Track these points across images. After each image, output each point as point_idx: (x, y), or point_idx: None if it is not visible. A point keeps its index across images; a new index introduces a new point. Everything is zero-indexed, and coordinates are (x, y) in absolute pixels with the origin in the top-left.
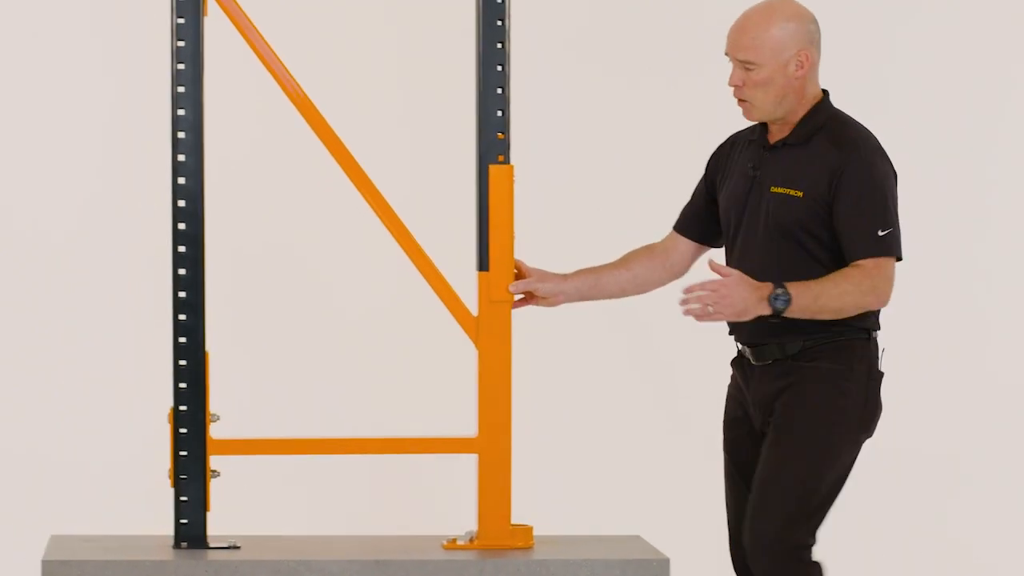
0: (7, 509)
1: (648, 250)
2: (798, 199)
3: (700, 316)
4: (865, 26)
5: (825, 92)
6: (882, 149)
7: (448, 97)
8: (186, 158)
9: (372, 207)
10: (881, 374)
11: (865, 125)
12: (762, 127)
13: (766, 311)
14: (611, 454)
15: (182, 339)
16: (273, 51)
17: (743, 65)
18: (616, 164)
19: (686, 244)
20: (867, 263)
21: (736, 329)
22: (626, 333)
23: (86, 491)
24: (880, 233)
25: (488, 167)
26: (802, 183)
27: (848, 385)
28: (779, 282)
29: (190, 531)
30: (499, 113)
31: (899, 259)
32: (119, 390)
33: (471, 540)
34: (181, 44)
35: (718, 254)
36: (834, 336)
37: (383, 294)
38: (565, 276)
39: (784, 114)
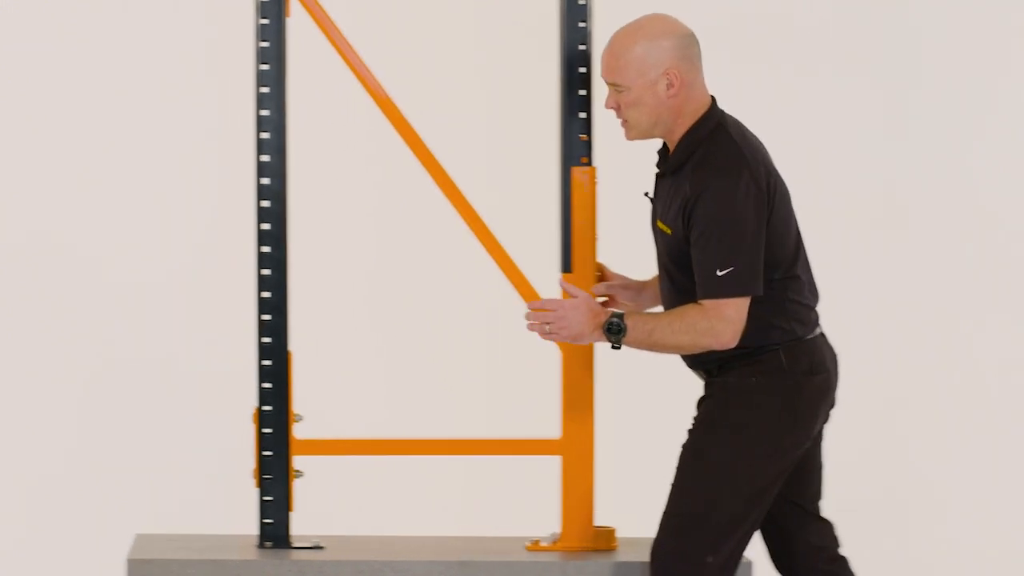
0: (93, 508)
1: None
2: (669, 236)
3: (540, 334)
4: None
5: (713, 99)
6: (744, 174)
7: (531, 99)
8: (270, 158)
9: (455, 208)
10: (805, 380)
11: (745, 139)
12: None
13: (602, 339)
14: None
15: (266, 339)
16: (356, 52)
17: (614, 88)
18: None
19: None
20: (707, 303)
21: None
22: None
23: (171, 491)
24: (719, 273)
25: (571, 169)
26: (670, 219)
27: (756, 398)
28: (619, 312)
29: (274, 531)
30: (582, 115)
31: (749, 295)
32: (204, 390)
33: (554, 542)
34: (265, 45)
35: None
36: (743, 350)
37: (466, 295)
38: (644, 284)
39: (663, 133)
